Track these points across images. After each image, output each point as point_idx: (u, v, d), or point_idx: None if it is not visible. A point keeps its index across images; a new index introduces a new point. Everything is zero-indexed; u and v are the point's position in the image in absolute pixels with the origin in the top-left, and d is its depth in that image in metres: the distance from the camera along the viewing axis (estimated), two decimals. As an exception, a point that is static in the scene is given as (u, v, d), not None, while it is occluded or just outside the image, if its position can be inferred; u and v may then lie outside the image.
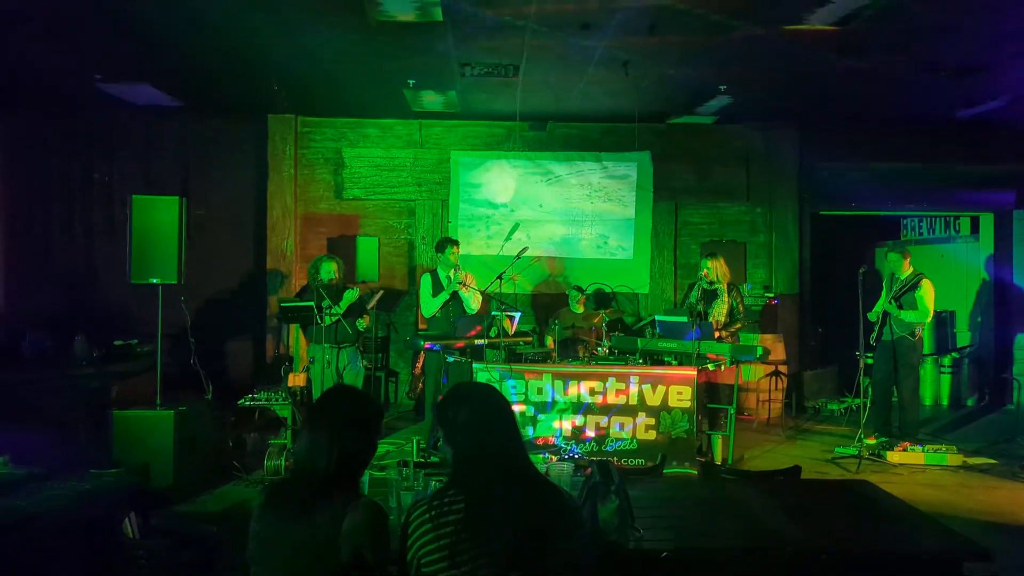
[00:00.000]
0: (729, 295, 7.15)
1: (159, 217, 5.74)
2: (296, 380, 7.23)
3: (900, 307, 7.34)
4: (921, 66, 7.23)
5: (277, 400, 6.79)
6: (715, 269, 7.18)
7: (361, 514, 2.19)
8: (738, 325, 7.18)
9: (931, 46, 6.72)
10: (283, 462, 6.03)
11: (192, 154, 9.37)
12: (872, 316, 7.51)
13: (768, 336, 9.05)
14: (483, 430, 2.17)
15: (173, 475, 5.51)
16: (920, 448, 6.91)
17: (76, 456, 5.18)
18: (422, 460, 5.26)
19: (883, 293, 7.62)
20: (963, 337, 10.57)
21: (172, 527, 4.33)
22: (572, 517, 2.23)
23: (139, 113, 9.05)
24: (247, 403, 6.68)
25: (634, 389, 6.47)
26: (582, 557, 2.18)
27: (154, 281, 5.78)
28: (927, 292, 7.33)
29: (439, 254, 7.31)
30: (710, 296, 7.21)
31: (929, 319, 7.51)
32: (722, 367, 6.76)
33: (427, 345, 6.85)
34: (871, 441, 7.15)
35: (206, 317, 8.97)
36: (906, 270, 7.49)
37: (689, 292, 7.52)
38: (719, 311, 7.10)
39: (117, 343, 7.14)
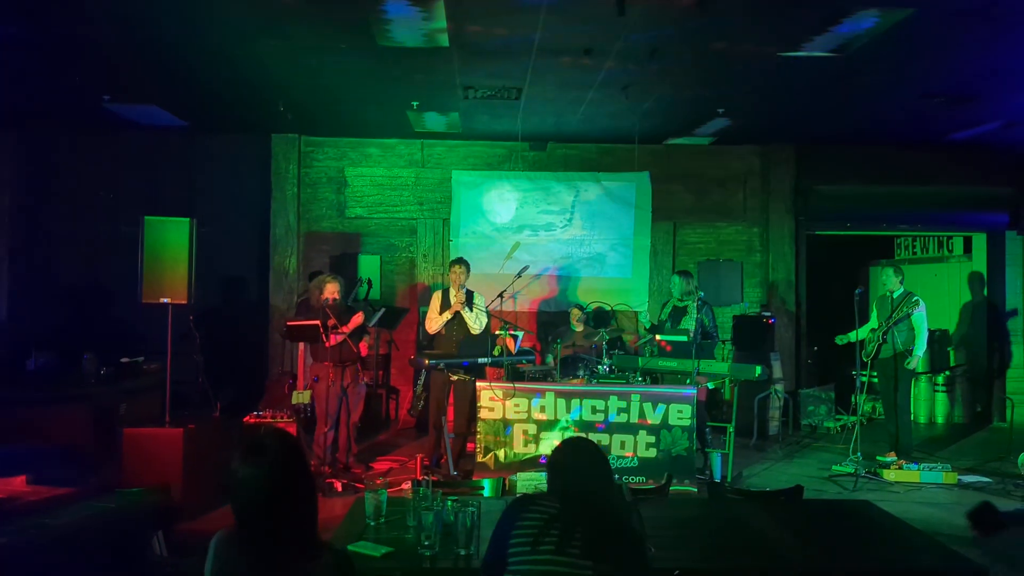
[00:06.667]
0: (699, 312, 7.26)
1: (170, 238, 5.83)
2: (301, 397, 7.32)
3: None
4: (915, 93, 7.40)
5: (282, 417, 6.87)
6: (682, 286, 7.38)
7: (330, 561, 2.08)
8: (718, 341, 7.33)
9: (924, 76, 6.89)
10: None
11: (197, 172, 9.45)
12: (853, 336, 7.53)
13: (765, 354, 9.16)
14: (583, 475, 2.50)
15: (182, 493, 5.57)
16: (915, 467, 7.02)
17: (88, 474, 5.24)
18: (437, 479, 5.32)
19: (874, 312, 7.72)
20: (956, 355, 10.69)
21: (183, 544, 4.40)
22: (643, 552, 2.48)
23: (146, 132, 9.14)
24: (253, 420, 6.75)
25: (635, 407, 6.58)
26: None
27: (165, 301, 5.87)
28: (923, 318, 7.47)
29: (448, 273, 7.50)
30: (679, 313, 7.36)
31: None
32: (721, 386, 6.90)
33: (429, 363, 6.92)
34: (884, 457, 7.37)
35: (210, 334, 9.02)
36: (898, 288, 7.60)
37: (661, 311, 7.71)
38: (687, 327, 7.20)
39: (124, 360, 7.19)
